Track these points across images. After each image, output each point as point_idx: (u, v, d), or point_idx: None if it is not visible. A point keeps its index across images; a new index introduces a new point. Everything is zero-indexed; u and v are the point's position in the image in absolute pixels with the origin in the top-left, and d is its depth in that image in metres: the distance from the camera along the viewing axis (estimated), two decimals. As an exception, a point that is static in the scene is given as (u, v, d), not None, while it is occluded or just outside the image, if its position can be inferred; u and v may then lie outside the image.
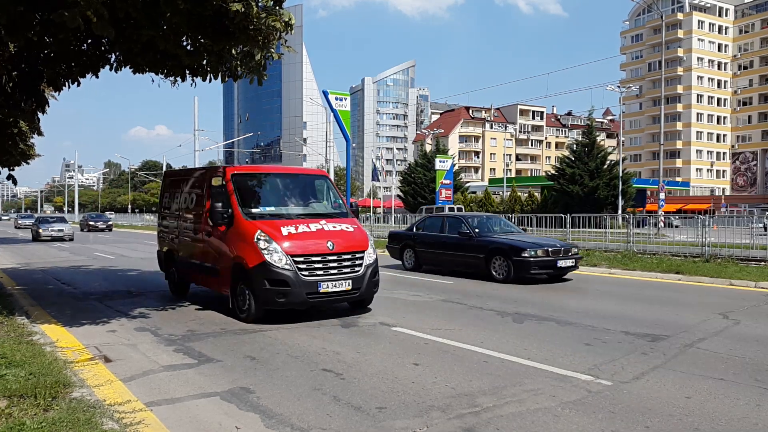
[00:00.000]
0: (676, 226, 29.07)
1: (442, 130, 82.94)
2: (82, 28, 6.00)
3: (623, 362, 5.94)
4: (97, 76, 8.15)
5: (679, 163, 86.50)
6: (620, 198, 40.81)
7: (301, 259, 7.75)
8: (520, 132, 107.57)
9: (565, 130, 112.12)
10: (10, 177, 12.06)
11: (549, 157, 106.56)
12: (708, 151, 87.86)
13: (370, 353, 6.37)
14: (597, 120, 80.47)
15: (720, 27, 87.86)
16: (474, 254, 13.01)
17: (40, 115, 9.84)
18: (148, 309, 9.27)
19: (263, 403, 4.77)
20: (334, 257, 8.02)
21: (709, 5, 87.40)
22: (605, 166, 47.16)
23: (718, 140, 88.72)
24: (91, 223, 45.56)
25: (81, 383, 4.99)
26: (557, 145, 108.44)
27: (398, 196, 64.92)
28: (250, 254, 7.81)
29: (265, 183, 9.25)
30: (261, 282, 7.69)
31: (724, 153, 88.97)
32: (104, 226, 45.61)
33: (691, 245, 17.55)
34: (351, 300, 8.54)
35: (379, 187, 73.25)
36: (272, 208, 8.56)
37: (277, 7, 6.90)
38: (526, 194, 54.97)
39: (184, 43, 7.29)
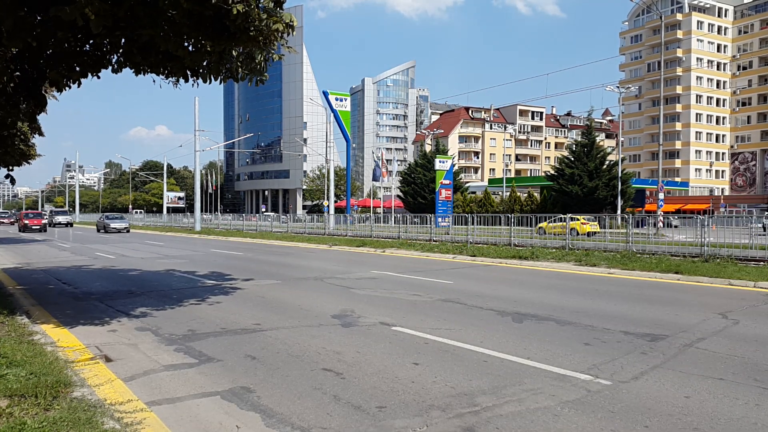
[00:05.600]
0: (675, 226, 29.11)
1: (442, 131, 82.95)
2: (80, 24, 6.02)
3: (622, 362, 5.96)
4: (98, 77, 8.16)
5: (678, 163, 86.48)
6: (619, 198, 40.86)
7: None
8: (519, 132, 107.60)
9: (564, 131, 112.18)
10: (8, 176, 12.13)
11: (548, 158, 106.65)
12: (707, 152, 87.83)
13: (370, 353, 6.38)
14: (596, 120, 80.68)
15: (719, 27, 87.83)
16: None
17: (40, 114, 9.85)
18: (149, 309, 9.29)
19: (264, 402, 4.79)
20: None
21: (708, 6, 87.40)
22: (604, 167, 47.21)
23: (717, 140, 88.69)
24: None
25: (82, 383, 5.01)
26: (557, 145, 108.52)
27: (398, 196, 64.96)
28: None
29: None
30: None
31: (723, 153, 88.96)
32: None
33: (690, 245, 17.57)
34: None
35: (379, 187, 73.29)
36: None
37: (278, 9, 6.91)
38: (526, 194, 54.98)
39: (185, 44, 7.30)
